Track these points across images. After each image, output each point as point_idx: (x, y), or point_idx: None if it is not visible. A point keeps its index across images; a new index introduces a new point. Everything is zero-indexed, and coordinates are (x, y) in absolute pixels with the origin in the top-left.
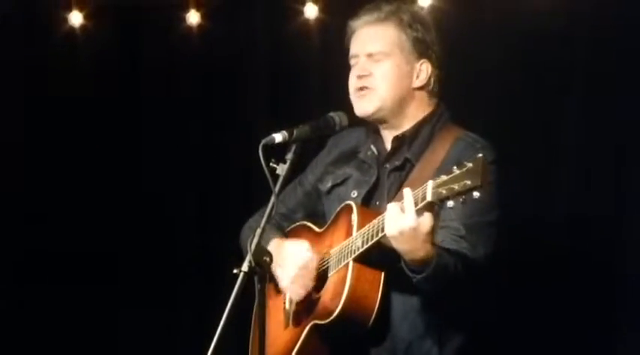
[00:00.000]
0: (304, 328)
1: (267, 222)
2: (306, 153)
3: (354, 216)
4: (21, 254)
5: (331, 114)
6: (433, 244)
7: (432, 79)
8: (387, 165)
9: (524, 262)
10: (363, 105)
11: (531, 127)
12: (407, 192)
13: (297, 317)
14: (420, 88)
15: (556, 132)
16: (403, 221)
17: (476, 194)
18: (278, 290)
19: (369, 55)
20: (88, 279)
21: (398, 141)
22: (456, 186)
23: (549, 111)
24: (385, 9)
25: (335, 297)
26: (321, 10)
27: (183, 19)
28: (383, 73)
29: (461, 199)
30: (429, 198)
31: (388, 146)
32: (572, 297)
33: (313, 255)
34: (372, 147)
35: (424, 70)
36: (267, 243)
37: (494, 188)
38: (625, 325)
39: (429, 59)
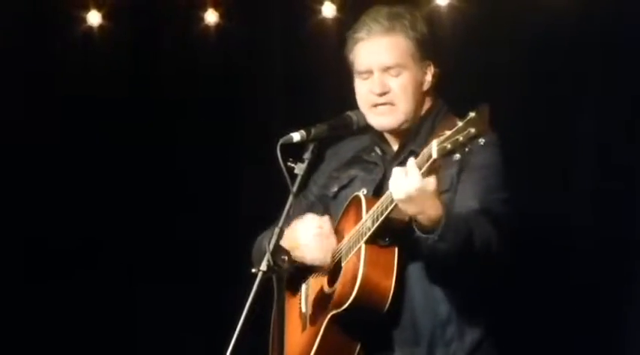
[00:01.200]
0: (322, 323)
1: (285, 222)
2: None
3: (363, 203)
4: (43, 236)
5: (349, 113)
6: (441, 203)
7: (435, 79)
8: (395, 163)
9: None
10: (383, 121)
11: (546, 126)
12: (410, 159)
13: (314, 317)
14: (427, 90)
15: (569, 132)
16: (409, 183)
17: (481, 140)
18: (294, 295)
19: (386, 69)
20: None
21: (404, 138)
22: (460, 137)
23: (564, 110)
24: (387, 16)
25: (349, 283)
26: (338, 9)
27: (202, 19)
28: (402, 87)
29: (466, 149)
30: (434, 155)
31: (394, 146)
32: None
33: (324, 216)
34: (377, 148)
35: (429, 71)
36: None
37: (501, 167)
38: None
39: (432, 59)
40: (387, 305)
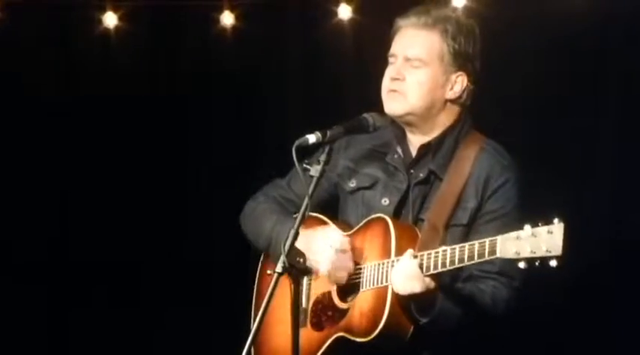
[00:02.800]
0: (328, 336)
1: (300, 224)
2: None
3: (393, 236)
4: (56, 256)
5: (365, 115)
6: (438, 288)
7: (466, 93)
8: (412, 172)
9: None
10: (392, 106)
11: (567, 128)
12: (415, 263)
13: (317, 320)
14: (453, 100)
15: (591, 133)
16: (412, 285)
17: (553, 263)
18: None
19: (407, 59)
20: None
21: (423, 149)
22: (532, 249)
23: (585, 111)
24: (434, 14)
25: (370, 319)
26: (354, 11)
27: (218, 21)
28: (417, 80)
29: (536, 263)
30: (498, 254)
31: (413, 151)
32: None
33: (345, 238)
34: (399, 149)
35: (459, 82)
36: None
37: (520, 212)
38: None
39: (467, 73)
40: (409, 336)
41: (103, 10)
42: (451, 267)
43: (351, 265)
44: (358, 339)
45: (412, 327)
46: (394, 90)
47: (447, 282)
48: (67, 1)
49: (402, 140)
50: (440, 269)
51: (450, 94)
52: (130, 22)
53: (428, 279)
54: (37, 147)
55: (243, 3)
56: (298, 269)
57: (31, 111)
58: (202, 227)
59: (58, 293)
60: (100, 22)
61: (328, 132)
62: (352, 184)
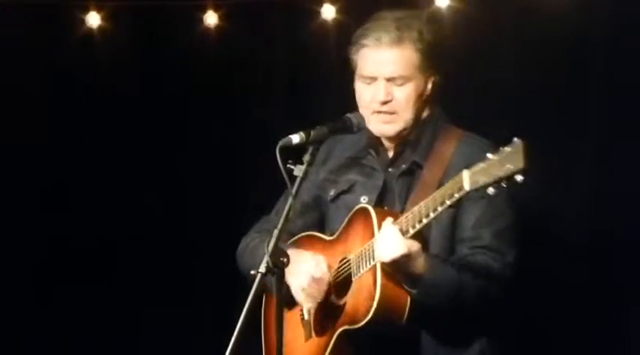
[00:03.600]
0: (332, 335)
1: (284, 224)
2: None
3: (374, 218)
4: (40, 255)
5: (349, 115)
6: (425, 261)
7: (435, 87)
8: (391, 170)
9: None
10: (386, 129)
11: (549, 128)
12: (394, 228)
13: (320, 327)
14: (427, 97)
15: (574, 133)
16: (394, 249)
17: (519, 178)
18: (294, 301)
19: (390, 79)
20: (108, 277)
21: (401, 145)
22: (496, 172)
23: (568, 111)
24: (397, 26)
25: (366, 300)
26: (338, 11)
27: (201, 20)
28: (405, 96)
29: (503, 184)
30: (466, 187)
31: (389, 151)
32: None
33: (327, 271)
34: (372, 151)
35: (430, 81)
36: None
37: (505, 190)
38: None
39: (438, 71)
40: (405, 318)
41: (86, 10)
42: (427, 220)
43: (319, 297)
44: (356, 325)
45: (408, 306)
46: (385, 112)
47: (435, 258)
48: (50, 1)
49: (374, 142)
50: (418, 227)
51: (426, 95)
52: (114, 22)
53: (410, 241)
54: (18, 146)
55: (227, 3)
56: (282, 270)
57: (13, 111)
58: (181, 224)
59: (38, 288)
60: (83, 22)
61: (312, 133)
62: (332, 192)
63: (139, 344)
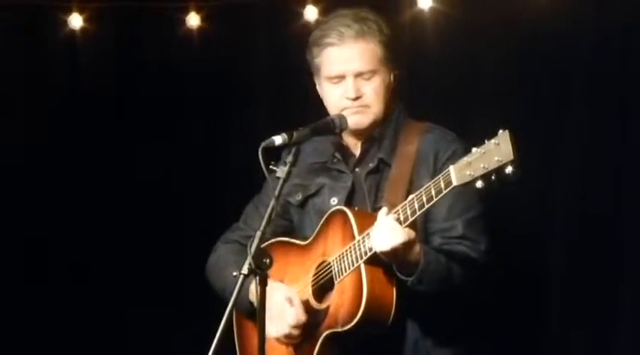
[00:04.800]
0: (316, 341)
1: (267, 226)
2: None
3: (352, 220)
4: (24, 253)
5: (331, 116)
6: (420, 248)
7: (396, 81)
8: (358, 170)
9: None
10: (360, 120)
11: (531, 129)
12: (391, 216)
13: (303, 332)
14: (393, 91)
15: (556, 135)
16: (394, 238)
17: (509, 169)
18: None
19: (359, 74)
20: (92, 277)
21: (366, 144)
22: (484, 165)
23: (549, 113)
24: (356, 20)
25: (352, 302)
26: (321, 13)
27: (184, 22)
28: (374, 90)
29: (493, 177)
30: (454, 182)
31: (355, 151)
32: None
33: (302, 311)
34: (337, 154)
35: (393, 74)
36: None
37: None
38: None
39: (399, 65)
40: (390, 321)
41: (69, 12)
42: (421, 210)
43: (298, 340)
44: (345, 328)
45: (394, 306)
46: (357, 107)
47: (426, 246)
48: (32, 2)
49: (341, 145)
50: (411, 218)
51: (393, 89)
52: (96, 23)
53: (407, 229)
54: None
55: (209, 4)
56: (264, 271)
57: None
58: (171, 225)
59: (20, 288)
60: (65, 23)
61: (294, 134)
62: (299, 197)
63: (125, 345)
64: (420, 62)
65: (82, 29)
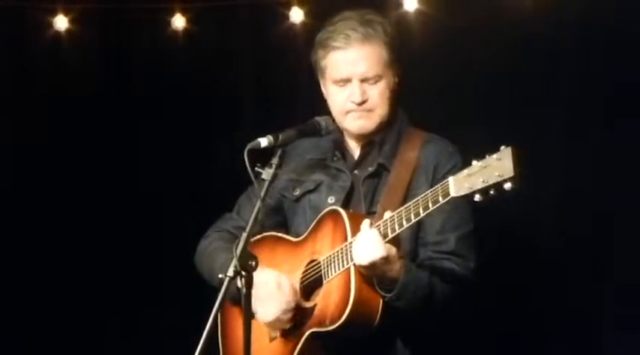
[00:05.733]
0: (300, 338)
1: (253, 226)
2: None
3: (346, 222)
4: (6, 257)
5: (317, 118)
6: (401, 265)
7: (398, 85)
8: (357, 172)
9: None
10: (364, 124)
11: (516, 133)
12: (374, 231)
13: (287, 328)
14: (396, 95)
15: (542, 138)
16: (373, 252)
17: (508, 185)
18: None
19: (365, 79)
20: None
21: (367, 147)
22: (484, 179)
23: (535, 117)
24: (362, 23)
25: (338, 303)
26: (306, 14)
27: (169, 23)
28: (380, 94)
29: (491, 192)
30: (452, 193)
31: (355, 153)
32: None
33: (282, 275)
34: (338, 153)
35: (397, 77)
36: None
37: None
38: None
39: (401, 67)
40: (377, 322)
41: (54, 13)
42: (408, 224)
43: (284, 327)
44: (330, 328)
45: (380, 310)
46: (362, 111)
47: (409, 262)
48: (17, 3)
49: (341, 145)
50: (398, 230)
51: (396, 92)
52: (81, 24)
53: (388, 244)
54: None
55: (195, 6)
56: (250, 273)
57: None
58: (152, 223)
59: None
60: (50, 24)
61: (280, 136)
62: (296, 192)
63: (109, 347)
64: (406, 64)
65: (68, 31)
